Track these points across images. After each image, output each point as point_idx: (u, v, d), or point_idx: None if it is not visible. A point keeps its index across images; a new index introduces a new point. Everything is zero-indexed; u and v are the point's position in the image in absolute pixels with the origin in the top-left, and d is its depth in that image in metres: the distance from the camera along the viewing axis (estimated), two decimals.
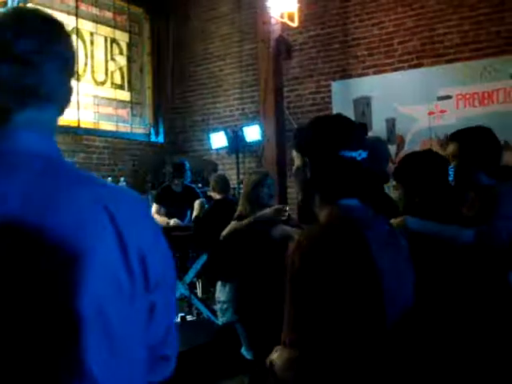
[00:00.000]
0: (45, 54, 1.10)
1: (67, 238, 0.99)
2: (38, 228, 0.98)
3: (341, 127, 1.67)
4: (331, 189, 1.63)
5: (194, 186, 6.82)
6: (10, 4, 6.28)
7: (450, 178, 2.51)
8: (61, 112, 1.18)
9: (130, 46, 9.04)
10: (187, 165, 6.60)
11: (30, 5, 7.00)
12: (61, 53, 1.14)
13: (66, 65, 1.17)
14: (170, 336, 1.18)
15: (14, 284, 0.98)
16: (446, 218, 2.39)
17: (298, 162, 1.71)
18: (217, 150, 8.69)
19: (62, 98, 1.17)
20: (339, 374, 1.50)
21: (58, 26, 1.17)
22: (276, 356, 1.56)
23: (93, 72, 8.37)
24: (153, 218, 1.19)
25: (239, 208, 4.08)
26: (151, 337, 1.13)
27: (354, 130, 1.68)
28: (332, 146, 1.61)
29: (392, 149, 7.37)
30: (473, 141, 2.58)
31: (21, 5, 5.70)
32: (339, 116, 1.75)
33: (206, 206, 6.12)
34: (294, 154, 1.74)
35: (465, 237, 2.35)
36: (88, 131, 8.11)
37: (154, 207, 6.36)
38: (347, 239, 1.53)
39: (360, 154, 1.62)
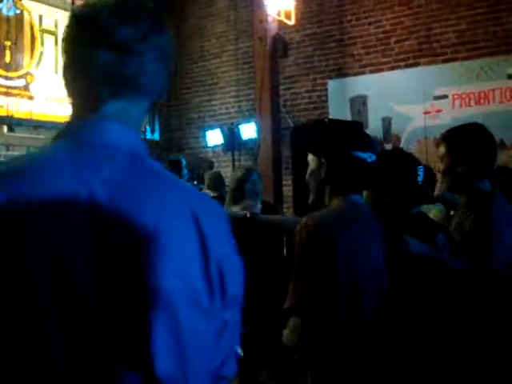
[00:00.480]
0: (146, 44, 1.05)
1: (150, 233, 0.95)
2: (122, 223, 0.95)
3: (354, 131, 1.95)
4: (342, 183, 1.88)
5: (189, 183, 6.82)
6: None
7: (420, 178, 2.52)
8: (150, 107, 1.14)
9: None
10: (183, 162, 6.59)
11: None
12: (162, 45, 1.10)
13: (166, 58, 1.12)
14: (231, 357, 1.11)
15: (106, 273, 0.94)
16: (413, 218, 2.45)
17: (313, 164, 1.96)
18: (213, 147, 8.68)
19: (156, 92, 1.12)
20: (334, 337, 1.71)
21: (161, 17, 1.13)
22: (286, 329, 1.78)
23: None
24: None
25: (225, 204, 3.96)
26: (216, 355, 1.06)
27: (365, 135, 1.95)
28: (345, 146, 1.87)
29: (388, 148, 7.38)
30: (463, 140, 2.47)
31: None
32: (351, 122, 2.01)
33: None
34: (310, 157, 1.97)
35: (457, 268, 2.31)
36: None
37: None
38: (345, 228, 1.77)
39: (370, 157, 1.87)
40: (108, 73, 1.02)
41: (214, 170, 7.91)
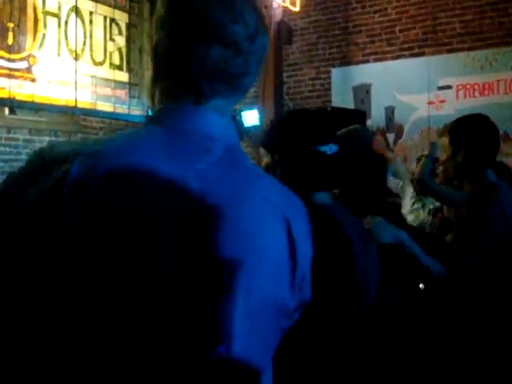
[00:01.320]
0: (254, 44, 1.04)
1: (244, 235, 0.93)
2: (216, 215, 0.92)
3: (309, 122, 1.68)
4: (302, 183, 1.59)
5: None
6: None
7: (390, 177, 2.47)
8: (239, 99, 1.12)
9: (129, 26, 8.96)
10: None
11: None
12: (264, 45, 1.08)
13: (262, 59, 1.10)
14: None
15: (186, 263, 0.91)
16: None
17: (266, 160, 1.70)
18: None
19: (247, 91, 1.11)
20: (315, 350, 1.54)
21: (263, 17, 1.11)
22: None
23: (91, 52, 8.30)
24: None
25: None
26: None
27: (323, 124, 1.68)
28: (301, 141, 1.62)
29: (391, 137, 7.37)
30: (466, 130, 2.49)
31: None
32: (307, 111, 1.80)
33: None
34: (262, 151, 1.72)
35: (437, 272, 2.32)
36: (85, 111, 8.05)
37: None
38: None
39: (330, 148, 1.62)
40: (215, 69, 1.01)
41: None
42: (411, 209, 4.42)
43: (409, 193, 4.56)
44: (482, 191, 2.42)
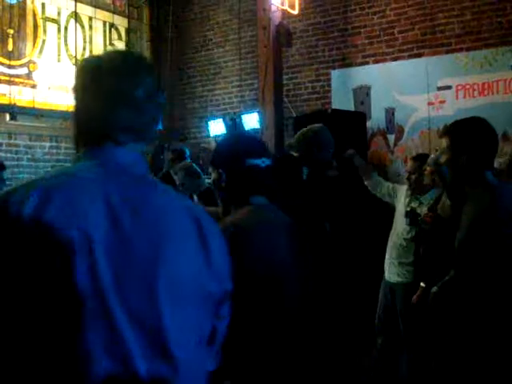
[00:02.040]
0: (151, 103, 1.37)
1: (159, 228, 1.26)
2: (137, 217, 1.23)
3: (244, 141, 2.13)
4: (242, 189, 2.06)
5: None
6: None
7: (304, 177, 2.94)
8: (148, 144, 1.45)
9: (128, 31, 8.99)
10: (187, 152, 6.59)
11: None
12: (159, 102, 1.41)
13: (160, 109, 1.43)
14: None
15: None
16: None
17: (214, 175, 2.14)
18: (215, 137, 8.66)
19: (153, 135, 1.43)
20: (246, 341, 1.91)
21: (158, 75, 1.44)
22: None
23: None
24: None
25: None
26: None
27: (256, 143, 2.13)
28: (239, 157, 2.03)
29: (391, 138, 7.37)
30: (465, 133, 2.52)
31: None
32: (243, 133, 2.67)
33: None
34: (210, 169, 2.16)
35: None
36: None
37: None
38: (249, 233, 1.97)
39: (264, 161, 2.06)
40: (125, 126, 1.33)
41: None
42: (408, 208, 4.42)
43: (404, 192, 4.57)
44: (483, 193, 2.44)
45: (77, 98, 1.38)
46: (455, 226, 2.60)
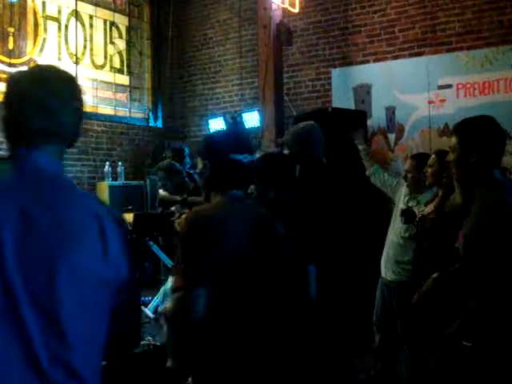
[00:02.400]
0: (67, 107, 1.56)
1: (64, 222, 1.45)
2: (46, 213, 1.44)
3: (230, 137, 2.34)
4: (222, 181, 2.25)
5: (192, 171, 6.81)
6: None
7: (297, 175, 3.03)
8: (70, 145, 1.66)
9: (129, 29, 8.99)
10: (186, 150, 6.59)
11: None
12: (75, 106, 1.59)
13: (78, 114, 1.62)
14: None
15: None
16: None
17: (200, 165, 2.34)
18: None
19: (71, 138, 1.64)
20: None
21: (76, 83, 1.68)
22: (168, 305, 2.15)
23: (92, 55, 8.33)
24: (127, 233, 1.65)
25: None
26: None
27: (241, 139, 2.33)
28: (224, 150, 2.24)
29: (391, 137, 7.37)
30: (474, 131, 2.55)
31: None
32: (232, 129, 2.66)
33: None
34: (198, 159, 2.36)
35: None
36: (87, 115, 8.06)
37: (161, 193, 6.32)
38: (224, 217, 2.19)
39: (245, 157, 2.26)
40: (40, 128, 1.52)
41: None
42: (405, 207, 4.43)
43: (404, 191, 4.57)
44: (490, 191, 2.47)
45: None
46: (459, 225, 2.62)
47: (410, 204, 4.40)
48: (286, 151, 3.65)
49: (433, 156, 4.12)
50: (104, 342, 1.50)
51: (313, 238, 2.81)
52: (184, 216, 2.25)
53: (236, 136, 2.38)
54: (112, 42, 8.71)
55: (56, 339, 1.39)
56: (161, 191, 5.80)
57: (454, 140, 2.59)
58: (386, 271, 4.55)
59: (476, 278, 2.44)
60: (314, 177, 3.48)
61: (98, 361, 1.51)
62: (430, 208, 3.96)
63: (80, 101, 1.62)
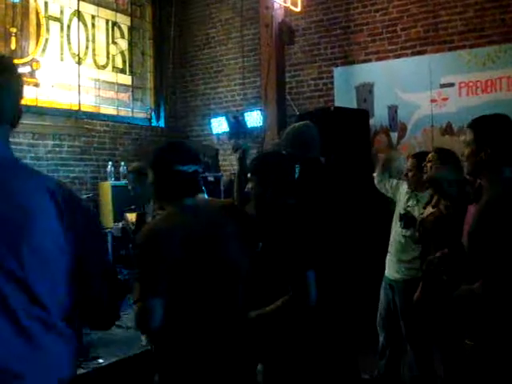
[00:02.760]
0: (3, 90, 1.66)
1: (20, 209, 1.56)
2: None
3: (175, 149, 2.43)
4: (170, 192, 2.37)
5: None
6: None
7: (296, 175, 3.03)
8: (12, 127, 1.75)
9: (131, 29, 8.99)
10: None
11: None
12: (8, 80, 1.69)
13: (17, 94, 1.73)
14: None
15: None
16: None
17: (150, 176, 2.46)
18: (218, 134, 8.67)
19: (11, 119, 1.73)
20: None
21: (14, 67, 1.79)
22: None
23: (94, 55, 8.33)
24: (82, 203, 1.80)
25: None
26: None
27: (185, 150, 2.44)
28: (168, 164, 2.36)
29: (394, 136, 7.37)
30: (489, 128, 2.60)
31: None
32: (175, 142, 2.80)
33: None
34: (149, 171, 2.47)
35: None
36: (89, 115, 8.08)
37: None
38: (175, 226, 2.29)
39: (190, 168, 2.37)
40: None
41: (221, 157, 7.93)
42: (406, 206, 4.43)
43: (404, 190, 4.58)
44: (497, 186, 2.50)
45: None
46: (460, 223, 2.63)
47: (409, 203, 4.40)
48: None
49: (432, 153, 4.13)
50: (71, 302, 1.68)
51: (312, 242, 2.80)
52: (143, 229, 2.39)
53: (179, 148, 2.48)
54: (114, 42, 8.71)
55: (27, 299, 1.55)
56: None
57: (468, 136, 2.64)
58: (390, 270, 4.55)
59: (479, 273, 2.44)
60: (312, 177, 3.47)
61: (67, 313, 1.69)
62: (428, 210, 3.97)
63: (19, 84, 1.75)
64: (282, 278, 2.67)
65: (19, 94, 1.74)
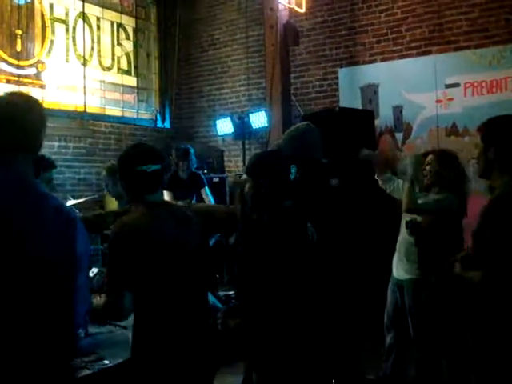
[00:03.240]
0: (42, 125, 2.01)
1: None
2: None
3: (135, 151, 2.62)
4: (138, 190, 2.56)
5: (199, 172, 6.83)
6: None
7: (292, 176, 3.03)
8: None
9: (136, 31, 9.01)
10: (192, 150, 6.59)
11: None
12: (44, 124, 2.01)
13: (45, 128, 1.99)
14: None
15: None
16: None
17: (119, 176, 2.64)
18: (223, 136, 8.68)
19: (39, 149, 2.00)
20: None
21: (40, 106, 2.04)
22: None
23: (99, 57, 8.36)
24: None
25: None
26: None
27: (144, 152, 2.61)
28: (129, 164, 2.54)
29: (399, 137, 7.36)
30: (495, 127, 2.63)
31: None
32: (138, 144, 2.95)
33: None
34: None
35: None
36: (94, 116, 8.11)
37: (166, 194, 6.34)
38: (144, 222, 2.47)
39: (149, 167, 2.53)
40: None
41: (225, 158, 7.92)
42: (409, 218, 4.42)
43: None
44: (503, 186, 2.52)
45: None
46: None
47: (420, 201, 4.38)
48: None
49: (431, 155, 4.12)
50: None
51: (310, 243, 2.83)
52: (115, 225, 2.53)
53: (140, 149, 2.66)
54: (119, 44, 8.74)
55: None
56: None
57: (478, 137, 2.67)
58: (398, 271, 4.54)
59: (486, 272, 2.44)
60: (312, 179, 3.46)
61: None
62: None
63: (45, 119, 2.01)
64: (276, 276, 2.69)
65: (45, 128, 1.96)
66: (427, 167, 4.07)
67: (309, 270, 2.74)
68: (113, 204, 7.18)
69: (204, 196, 6.51)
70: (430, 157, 4.10)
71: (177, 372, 2.46)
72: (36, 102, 2.02)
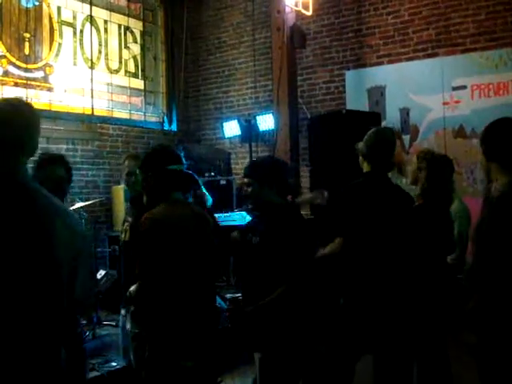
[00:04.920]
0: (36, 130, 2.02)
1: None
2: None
3: (165, 152, 2.87)
4: (165, 188, 2.76)
5: (191, 172, 6.79)
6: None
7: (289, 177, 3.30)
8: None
9: (143, 34, 9.04)
10: (182, 153, 6.57)
11: None
12: (39, 128, 2.02)
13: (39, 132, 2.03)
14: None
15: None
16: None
17: (141, 176, 2.85)
18: (230, 138, 8.70)
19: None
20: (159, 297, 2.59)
21: (36, 111, 2.05)
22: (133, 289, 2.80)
23: (107, 60, 8.39)
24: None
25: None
26: None
27: (173, 154, 2.88)
28: (162, 163, 2.77)
29: (406, 139, 7.36)
30: (488, 132, 2.64)
31: None
32: (165, 147, 3.11)
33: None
34: (138, 172, 2.92)
35: None
36: (102, 119, 8.14)
37: None
38: (168, 218, 2.67)
39: (179, 167, 2.82)
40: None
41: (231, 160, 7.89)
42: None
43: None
44: (505, 185, 2.51)
45: None
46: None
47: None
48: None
49: (415, 156, 4.09)
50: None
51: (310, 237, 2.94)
52: (143, 217, 2.66)
53: (168, 151, 2.90)
54: (127, 47, 8.77)
55: None
56: None
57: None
58: None
59: (484, 269, 2.45)
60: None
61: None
62: None
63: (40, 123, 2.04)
64: (279, 270, 2.79)
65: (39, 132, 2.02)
66: (408, 167, 4.06)
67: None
68: (120, 206, 7.22)
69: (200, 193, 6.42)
70: (414, 157, 4.07)
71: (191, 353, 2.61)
72: (24, 105, 2.04)
